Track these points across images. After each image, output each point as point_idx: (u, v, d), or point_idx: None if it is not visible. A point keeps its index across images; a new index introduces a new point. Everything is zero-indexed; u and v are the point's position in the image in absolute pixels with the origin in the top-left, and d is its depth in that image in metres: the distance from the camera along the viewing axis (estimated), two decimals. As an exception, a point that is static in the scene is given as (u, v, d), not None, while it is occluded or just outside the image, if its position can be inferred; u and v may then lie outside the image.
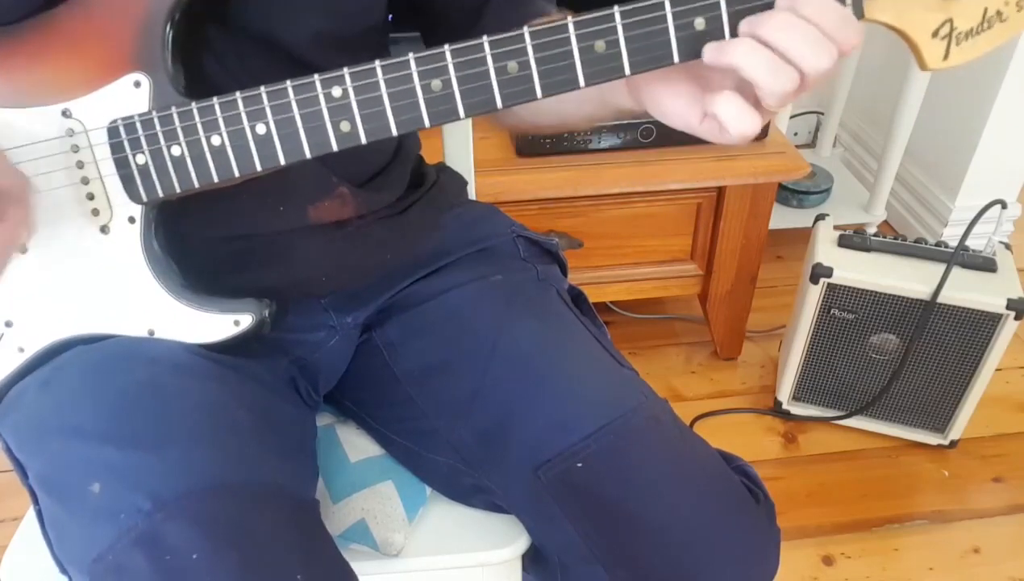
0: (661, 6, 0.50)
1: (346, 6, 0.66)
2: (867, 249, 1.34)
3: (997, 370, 1.31)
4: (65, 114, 0.57)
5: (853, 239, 1.35)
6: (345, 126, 0.55)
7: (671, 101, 0.55)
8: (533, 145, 1.35)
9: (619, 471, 0.63)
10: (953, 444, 1.44)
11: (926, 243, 1.33)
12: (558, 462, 0.63)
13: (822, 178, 1.87)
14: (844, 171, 2.00)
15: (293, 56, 0.63)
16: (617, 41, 0.51)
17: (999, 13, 0.49)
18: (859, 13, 0.50)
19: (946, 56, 0.50)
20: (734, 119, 0.50)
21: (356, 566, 0.60)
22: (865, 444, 1.46)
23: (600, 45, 0.51)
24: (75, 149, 0.58)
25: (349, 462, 0.75)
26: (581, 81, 0.52)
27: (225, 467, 0.55)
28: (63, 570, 0.59)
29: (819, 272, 1.31)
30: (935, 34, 0.50)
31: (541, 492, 0.64)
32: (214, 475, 0.54)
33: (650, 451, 0.64)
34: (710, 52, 0.49)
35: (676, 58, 0.51)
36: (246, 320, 0.62)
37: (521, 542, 0.72)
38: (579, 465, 0.63)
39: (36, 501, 0.60)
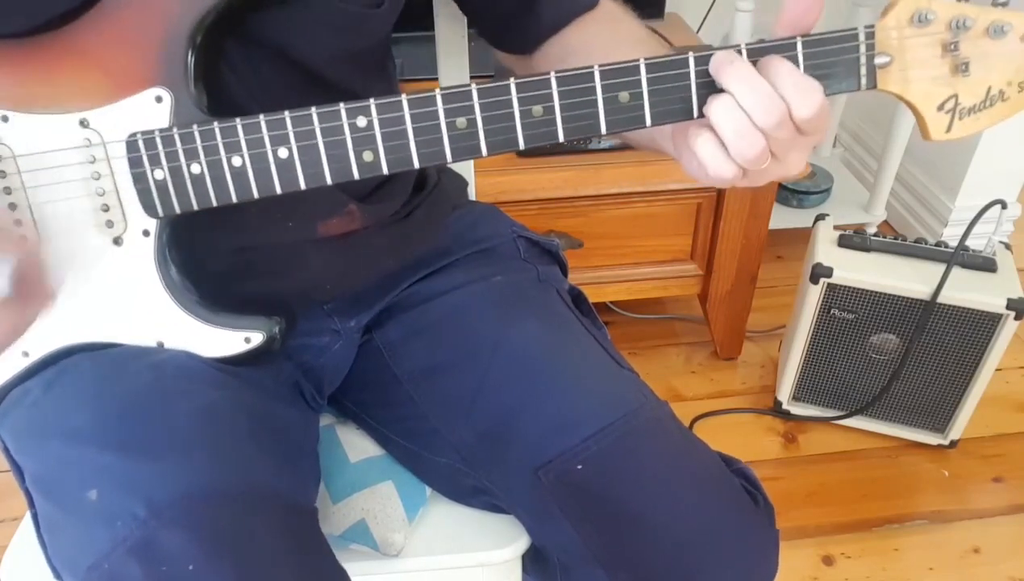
0: (685, 62, 0.52)
1: (361, 21, 0.65)
2: (867, 249, 1.34)
3: (997, 370, 1.31)
4: (83, 124, 0.56)
5: (853, 239, 1.35)
6: (368, 156, 0.55)
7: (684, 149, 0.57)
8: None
9: (619, 472, 0.63)
10: (953, 444, 1.44)
11: (926, 243, 1.33)
12: (558, 463, 0.63)
13: (822, 178, 1.87)
14: (844, 171, 2.00)
15: (306, 69, 0.63)
16: (641, 93, 0.52)
17: (1001, 92, 0.52)
18: (872, 84, 0.52)
19: (949, 129, 0.54)
20: (709, 159, 0.52)
21: (356, 566, 0.60)
22: (865, 444, 1.46)
23: (624, 96, 0.53)
24: (92, 160, 0.57)
25: (349, 462, 0.75)
26: (603, 128, 0.54)
27: (222, 473, 0.54)
28: (57, 575, 0.58)
29: (819, 272, 1.31)
30: (940, 108, 0.53)
31: (542, 493, 0.64)
32: (211, 482, 0.53)
33: (650, 453, 0.64)
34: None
35: (696, 113, 0.53)
36: (257, 338, 0.62)
37: (521, 542, 0.72)
38: (579, 466, 0.63)
39: (32, 504, 0.60)
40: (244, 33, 0.59)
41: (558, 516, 0.64)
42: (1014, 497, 1.38)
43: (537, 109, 0.53)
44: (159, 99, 0.56)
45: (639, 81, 0.52)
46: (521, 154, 1.35)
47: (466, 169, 0.94)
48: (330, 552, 0.60)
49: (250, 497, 0.55)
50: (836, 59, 0.51)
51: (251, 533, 0.53)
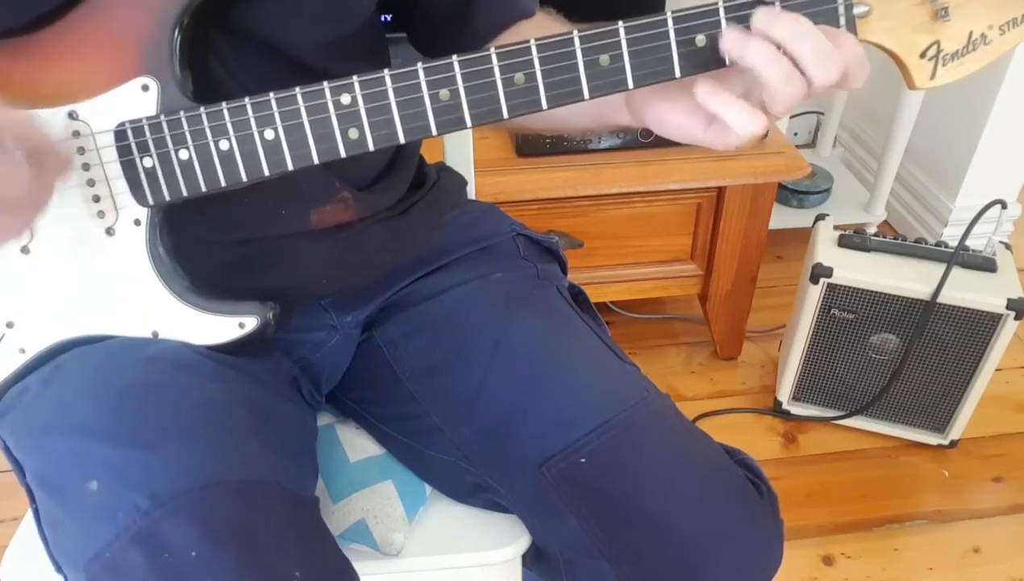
0: (664, 23, 0.52)
1: (344, 10, 0.66)
2: (867, 249, 1.34)
3: (997, 370, 1.31)
4: (71, 116, 0.57)
5: (853, 239, 1.35)
6: (353, 133, 0.56)
7: (673, 116, 0.56)
8: (533, 145, 1.35)
9: (623, 466, 0.63)
10: (953, 444, 1.44)
11: (926, 243, 1.34)
12: (562, 458, 0.63)
13: (822, 178, 1.87)
14: (844, 171, 2.00)
15: (294, 59, 0.63)
16: (621, 56, 0.52)
17: (983, 36, 0.52)
18: (852, 34, 0.52)
19: (933, 76, 0.54)
20: (741, 120, 0.51)
21: (356, 566, 0.60)
22: (865, 444, 1.46)
23: (605, 59, 0.53)
24: (81, 151, 0.58)
25: (349, 462, 0.75)
26: (586, 93, 0.54)
27: (223, 465, 0.55)
28: (59, 569, 0.59)
29: (819, 272, 1.31)
30: (923, 55, 0.53)
31: (545, 488, 0.64)
32: (212, 473, 0.53)
33: (654, 445, 0.64)
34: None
35: (677, 73, 0.53)
36: (251, 323, 0.62)
37: (522, 541, 0.71)
38: (583, 461, 0.63)
39: (33, 500, 0.60)
40: (230, 24, 0.60)
41: (562, 511, 0.64)
42: (1014, 497, 1.38)
43: (519, 77, 0.53)
44: (145, 88, 0.57)
45: (619, 44, 0.52)
46: (521, 154, 1.35)
47: (466, 168, 0.94)
48: (333, 541, 0.60)
49: (252, 487, 0.55)
50: (815, 10, 0.51)
51: (254, 522, 0.53)
